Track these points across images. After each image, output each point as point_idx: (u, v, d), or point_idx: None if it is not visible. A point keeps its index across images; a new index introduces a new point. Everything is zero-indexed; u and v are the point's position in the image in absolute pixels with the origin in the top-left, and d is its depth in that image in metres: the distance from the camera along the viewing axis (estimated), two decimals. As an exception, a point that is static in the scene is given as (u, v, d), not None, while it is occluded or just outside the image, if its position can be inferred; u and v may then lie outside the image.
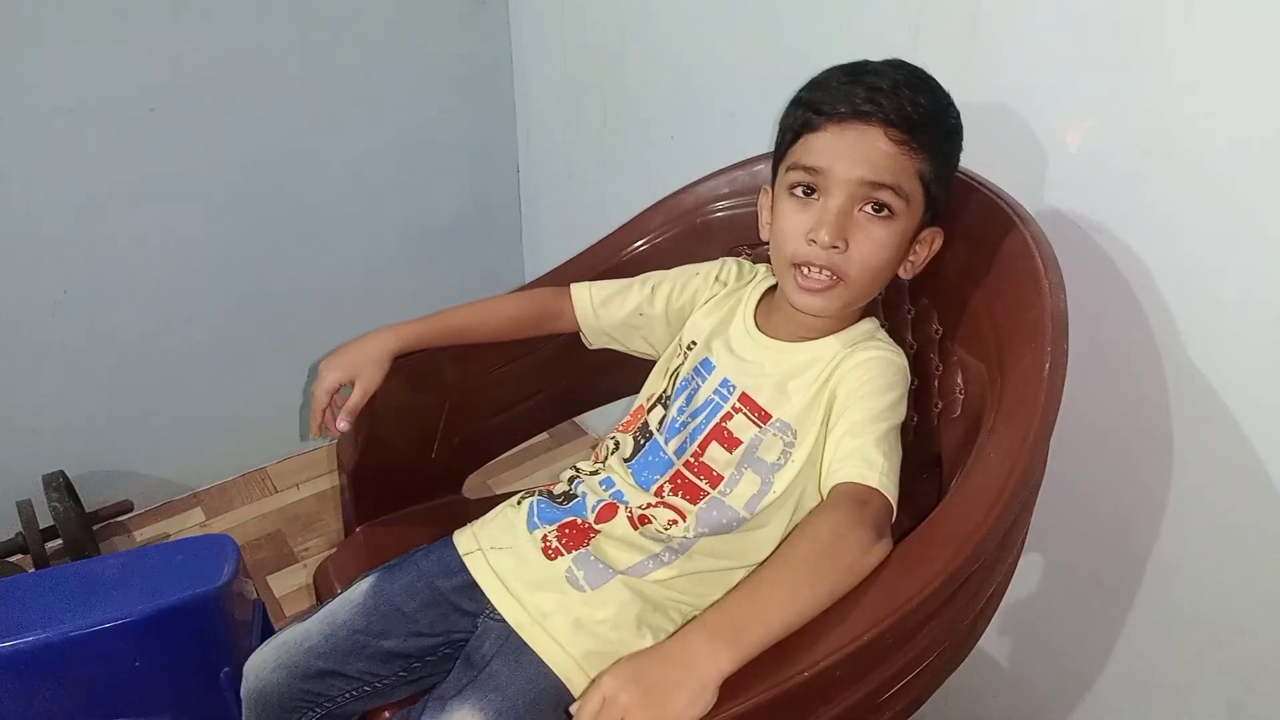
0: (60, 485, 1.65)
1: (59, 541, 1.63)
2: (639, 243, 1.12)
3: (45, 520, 1.64)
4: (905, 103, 0.82)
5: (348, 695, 0.92)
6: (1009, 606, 1.18)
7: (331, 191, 1.78)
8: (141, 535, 1.82)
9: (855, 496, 0.78)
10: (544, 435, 2.06)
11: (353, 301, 1.89)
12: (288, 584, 1.72)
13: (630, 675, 0.66)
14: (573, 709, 0.69)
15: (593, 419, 2.09)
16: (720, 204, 1.10)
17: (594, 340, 1.08)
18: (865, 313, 0.95)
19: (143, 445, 1.81)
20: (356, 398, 0.99)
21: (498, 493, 1.15)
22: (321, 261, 1.84)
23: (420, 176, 1.88)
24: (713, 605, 0.71)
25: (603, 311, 1.05)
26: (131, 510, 1.80)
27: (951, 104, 0.86)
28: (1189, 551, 0.98)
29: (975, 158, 0.92)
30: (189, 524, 1.85)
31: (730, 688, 0.65)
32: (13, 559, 1.66)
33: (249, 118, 1.63)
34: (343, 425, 0.99)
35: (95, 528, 1.75)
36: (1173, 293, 0.91)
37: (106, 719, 1.18)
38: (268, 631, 1.38)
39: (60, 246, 1.56)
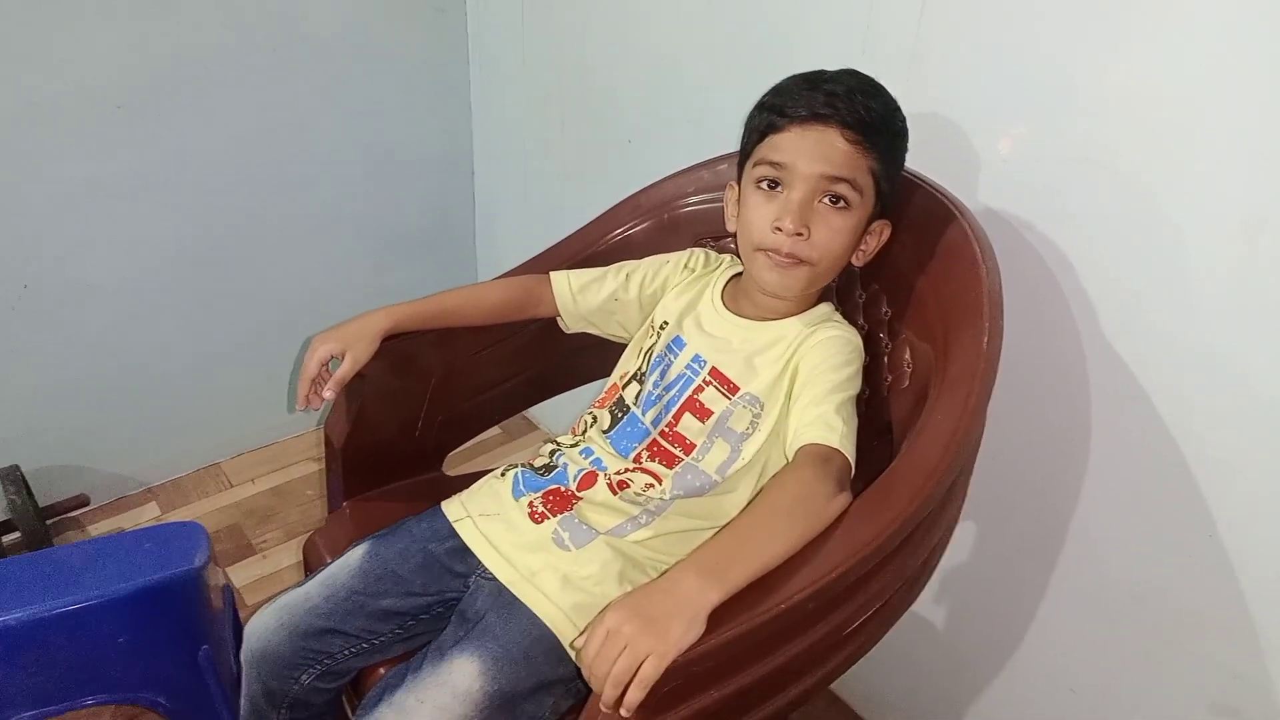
0: (16, 479, 1.65)
1: (16, 535, 1.63)
2: (611, 234, 1.20)
3: (0, 514, 1.64)
4: (859, 107, 0.92)
5: (347, 653, 0.98)
6: (944, 574, 1.29)
7: (292, 195, 1.82)
8: (96, 529, 1.83)
9: (819, 455, 0.87)
10: (497, 430, 2.13)
11: (309, 303, 1.93)
12: (248, 574, 1.74)
13: (630, 609, 0.73)
14: (577, 643, 0.76)
15: (545, 416, 2.16)
16: (687, 199, 1.19)
17: (572, 325, 1.16)
18: (822, 297, 1.05)
19: (98, 440, 1.82)
20: (345, 369, 1.03)
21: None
22: (279, 263, 1.88)
23: (379, 182, 1.93)
24: (699, 548, 0.79)
25: (580, 298, 1.13)
26: (87, 504, 1.80)
27: (898, 108, 0.97)
28: (1107, 517, 1.08)
29: (919, 159, 1.03)
30: (144, 518, 1.86)
31: (717, 618, 0.73)
32: (-33, 553, 1.65)
33: (215, 120, 1.66)
34: (328, 394, 1.04)
35: (50, 522, 1.75)
36: (1092, 285, 1.01)
37: (88, 695, 1.20)
38: (237, 618, 1.41)
39: (22, 242, 1.57)
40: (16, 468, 1.67)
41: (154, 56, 1.56)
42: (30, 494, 1.67)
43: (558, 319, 1.16)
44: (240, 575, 1.74)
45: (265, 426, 2.04)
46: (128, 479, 1.90)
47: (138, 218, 1.66)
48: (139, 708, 1.42)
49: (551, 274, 1.14)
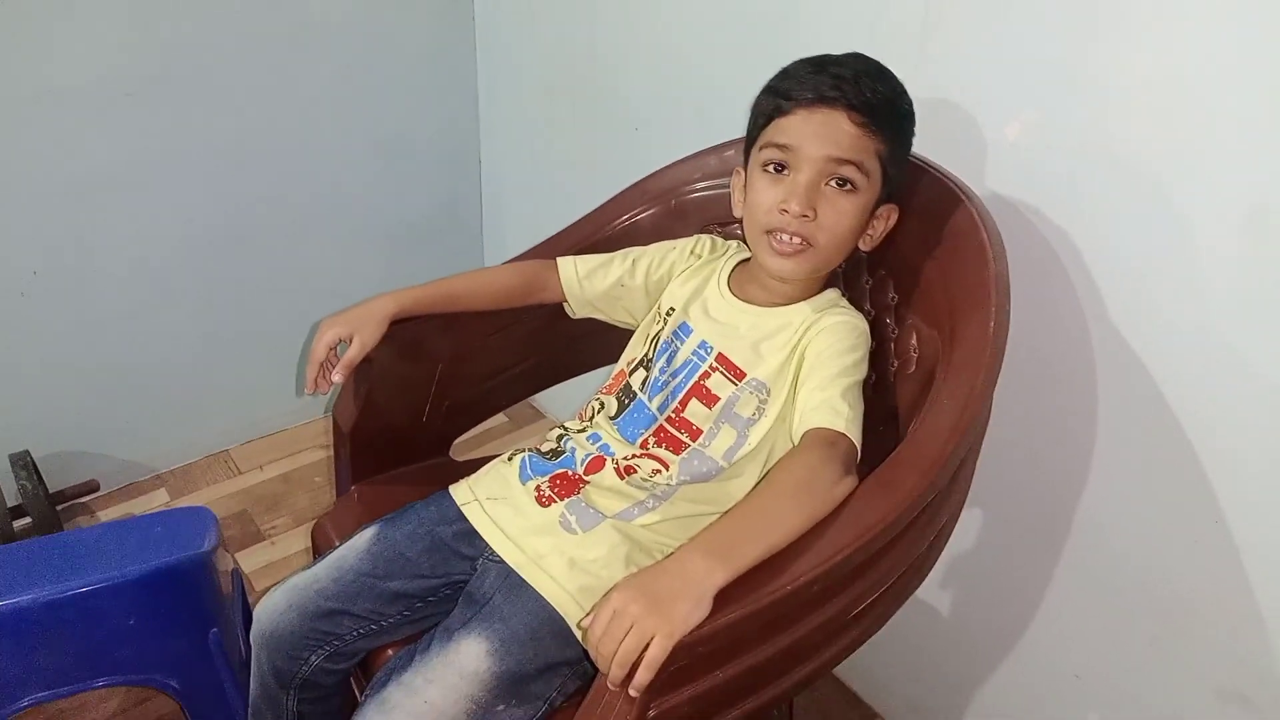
0: (27, 464, 1.66)
1: (26, 520, 1.65)
2: (619, 220, 1.20)
3: (12, 499, 1.65)
4: (865, 90, 0.92)
5: (355, 634, 0.98)
6: (950, 560, 1.29)
7: (300, 182, 1.83)
8: (105, 515, 1.84)
9: (825, 439, 0.88)
10: (502, 418, 2.14)
11: (318, 291, 1.94)
12: (257, 560, 1.76)
13: (637, 589, 0.73)
14: (584, 622, 0.76)
15: (550, 404, 2.17)
16: (694, 186, 1.19)
17: (578, 310, 1.16)
18: (828, 283, 1.05)
19: (107, 427, 1.83)
20: (353, 352, 1.04)
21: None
22: (288, 251, 1.89)
23: (387, 169, 1.94)
24: (705, 529, 0.80)
25: (587, 283, 1.14)
26: (97, 490, 1.81)
27: (905, 92, 0.97)
28: (1113, 504, 1.09)
29: (927, 145, 1.03)
30: (153, 504, 1.87)
31: (723, 599, 0.73)
32: (-22, 537, 1.67)
33: (223, 107, 1.67)
34: (336, 378, 1.04)
35: (60, 507, 1.77)
36: (1099, 271, 1.01)
37: (99, 676, 1.21)
38: (246, 602, 1.43)
39: (32, 228, 1.58)
40: (27, 453, 1.68)
41: (162, 44, 1.56)
42: (40, 479, 1.69)
43: (564, 304, 1.17)
44: (249, 561, 1.75)
45: (274, 413, 2.05)
46: (137, 465, 1.91)
47: (147, 205, 1.67)
48: (150, 689, 1.44)
49: (558, 259, 1.15)
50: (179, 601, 1.23)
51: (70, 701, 1.46)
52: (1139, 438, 1.04)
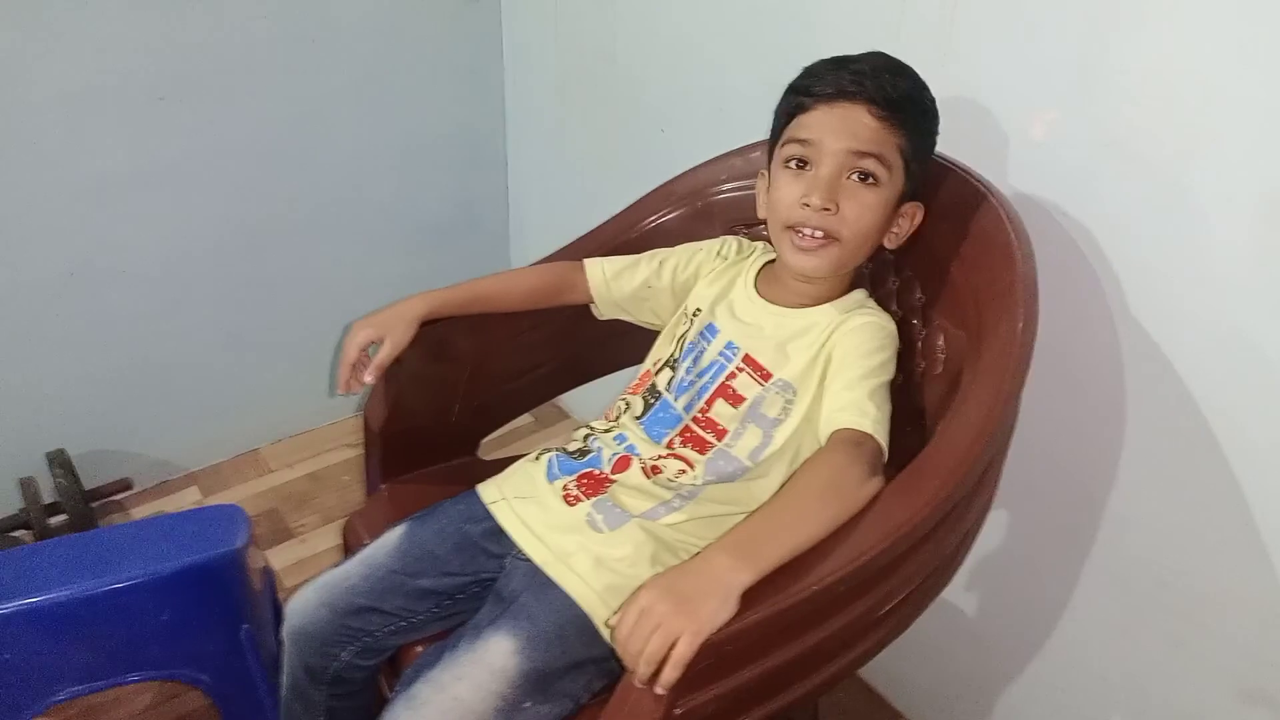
0: (64, 462, 1.69)
1: (62, 518, 1.67)
2: (645, 222, 1.21)
3: (48, 497, 1.68)
4: (885, 84, 0.93)
5: (385, 630, 1.00)
6: (976, 561, 1.28)
7: (328, 183, 1.85)
8: (138, 513, 1.87)
9: (852, 440, 0.88)
10: (528, 418, 2.15)
11: (345, 291, 1.96)
12: (287, 558, 1.78)
13: (664, 588, 0.74)
14: (611, 621, 0.77)
15: (576, 405, 2.18)
16: (720, 187, 1.19)
17: (605, 311, 1.17)
18: (855, 284, 1.05)
19: (141, 425, 1.86)
20: (385, 353, 1.05)
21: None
22: (317, 251, 1.91)
23: (413, 171, 1.95)
24: (731, 529, 0.80)
25: (614, 284, 1.14)
26: (130, 488, 1.84)
27: (926, 88, 0.97)
28: (1141, 504, 1.08)
29: (952, 144, 1.03)
30: (185, 502, 1.90)
31: (750, 599, 0.74)
32: (15, 534, 1.70)
33: (252, 110, 1.69)
34: (368, 379, 1.06)
35: (94, 505, 1.79)
36: (1125, 268, 1.01)
37: (132, 671, 1.23)
38: (277, 600, 1.44)
39: (68, 231, 1.61)
40: (63, 451, 1.71)
41: (191, 48, 1.58)
42: (76, 477, 1.72)
43: (591, 306, 1.18)
44: (279, 559, 1.77)
45: (303, 413, 2.08)
46: (169, 464, 1.94)
47: (178, 207, 1.70)
48: (181, 685, 1.46)
49: (585, 260, 1.16)
50: (211, 598, 1.25)
51: (104, 696, 1.48)
52: (1167, 435, 1.03)
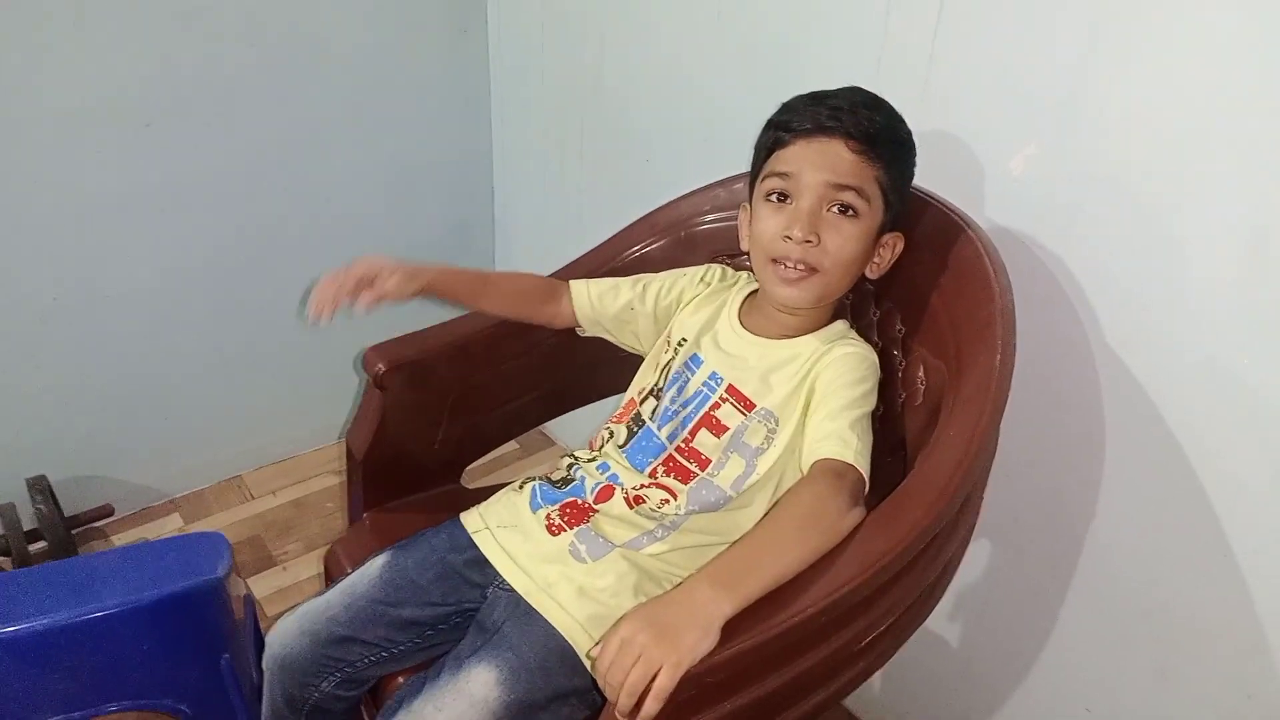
0: (44, 488, 1.68)
1: (42, 544, 1.66)
2: (629, 251, 1.22)
3: (28, 524, 1.67)
4: (862, 119, 0.94)
5: (366, 660, 0.99)
6: (959, 591, 1.29)
7: (314, 210, 1.86)
8: (120, 540, 1.85)
9: (833, 470, 0.88)
10: (514, 445, 2.15)
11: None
12: (269, 586, 1.76)
13: (645, 619, 0.74)
14: (593, 652, 0.77)
15: (562, 432, 2.18)
16: (703, 218, 1.20)
17: (588, 328, 1.18)
18: (837, 315, 1.06)
19: (123, 451, 1.85)
20: (388, 289, 1.05)
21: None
22: (302, 277, 1.89)
23: (401, 197, 1.96)
24: (713, 560, 0.80)
25: (598, 304, 1.15)
26: (112, 515, 1.83)
27: (902, 122, 0.98)
28: (1122, 532, 1.09)
29: (932, 178, 1.04)
30: (167, 529, 1.89)
31: (730, 630, 0.74)
32: (-5, 561, 1.68)
33: (239, 135, 1.70)
34: (362, 304, 1.05)
35: (75, 531, 1.78)
36: (1102, 300, 1.02)
37: (111, 701, 1.22)
38: (258, 628, 1.43)
39: (52, 255, 1.61)
40: (44, 477, 1.70)
41: (180, 73, 1.59)
42: (57, 504, 1.70)
43: (575, 325, 1.18)
44: (261, 586, 1.76)
45: (286, 439, 2.07)
46: (151, 490, 1.93)
47: (163, 232, 1.70)
48: (162, 715, 1.44)
49: (571, 281, 1.17)
50: (191, 627, 1.24)
51: (82, 725, 1.46)
52: (1146, 464, 1.04)
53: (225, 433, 1.97)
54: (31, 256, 1.59)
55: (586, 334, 1.19)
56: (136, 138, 1.59)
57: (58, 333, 1.67)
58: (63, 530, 1.67)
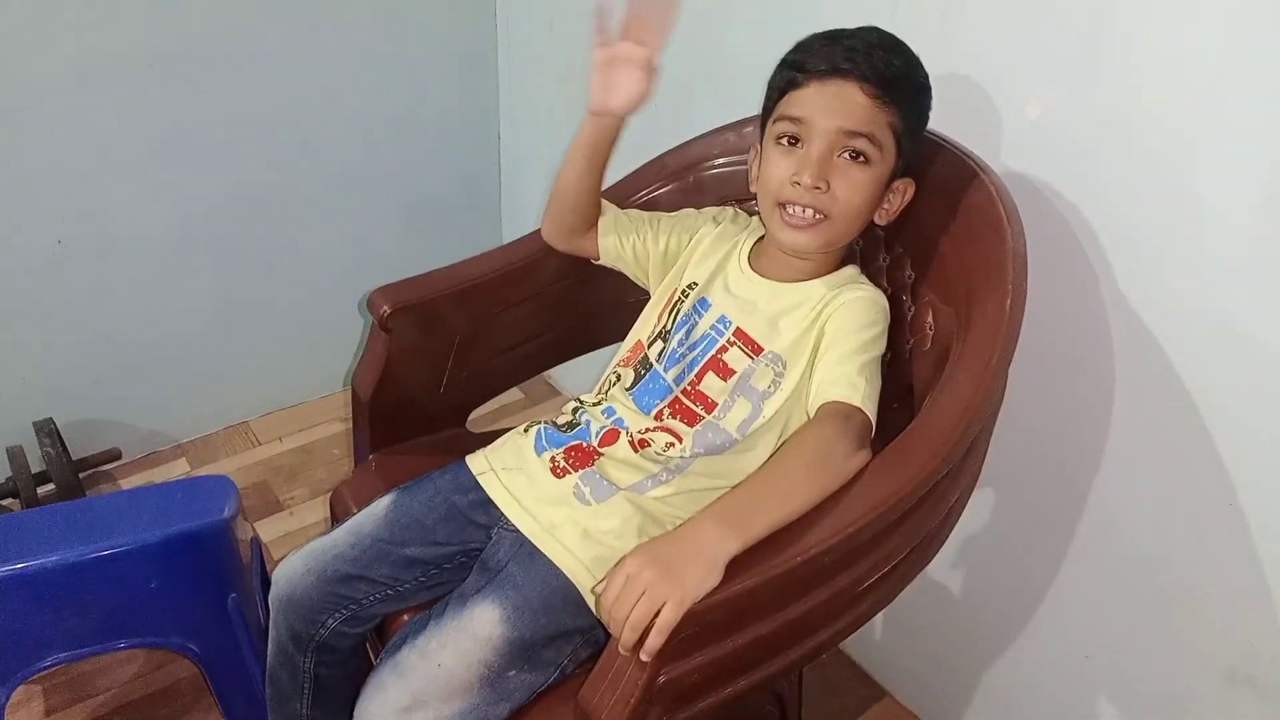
0: (51, 432, 1.69)
1: (50, 487, 1.67)
2: (637, 195, 1.21)
3: (36, 466, 1.68)
4: (879, 61, 0.92)
5: (371, 599, 1.00)
6: (963, 541, 1.29)
7: (321, 157, 1.84)
8: (127, 483, 1.87)
9: (840, 413, 0.88)
10: (519, 394, 2.15)
11: (339, 264, 1.96)
12: (275, 530, 1.78)
13: (650, 555, 0.74)
14: (597, 589, 0.77)
15: (566, 380, 2.18)
16: (713, 162, 1.19)
17: (606, 252, 1.15)
18: (846, 259, 1.05)
19: (131, 396, 1.86)
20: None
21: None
22: (311, 224, 1.90)
23: (408, 145, 1.94)
24: (718, 499, 0.80)
25: (619, 227, 1.13)
26: (119, 459, 1.84)
27: (920, 65, 0.96)
28: (1127, 485, 1.09)
29: (946, 122, 1.02)
30: (174, 474, 1.90)
31: (735, 568, 0.74)
32: (3, 503, 1.69)
33: (245, 80, 1.68)
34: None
35: (83, 475, 1.79)
36: (1117, 251, 1.01)
37: (120, 638, 1.24)
38: (265, 570, 1.45)
39: (56, 198, 1.60)
40: (50, 420, 1.71)
41: (185, 15, 1.57)
42: (64, 447, 1.71)
43: (596, 250, 1.15)
44: (267, 531, 1.78)
45: (293, 386, 2.07)
46: (159, 434, 1.94)
47: (169, 176, 1.69)
48: (169, 653, 1.46)
49: (604, 203, 1.15)
50: (199, 566, 1.25)
51: (92, 664, 1.49)
52: (1154, 418, 1.04)
53: (232, 378, 1.98)
54: (35, 200, 1.58)
55: (601, 258, 1.16)
56: (140, 78, 1.57)
57: (63, 276, 1.67)
58: (70, 473, 1.68)
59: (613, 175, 1.25)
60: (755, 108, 1.06)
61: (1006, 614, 1.29)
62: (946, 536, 0.99)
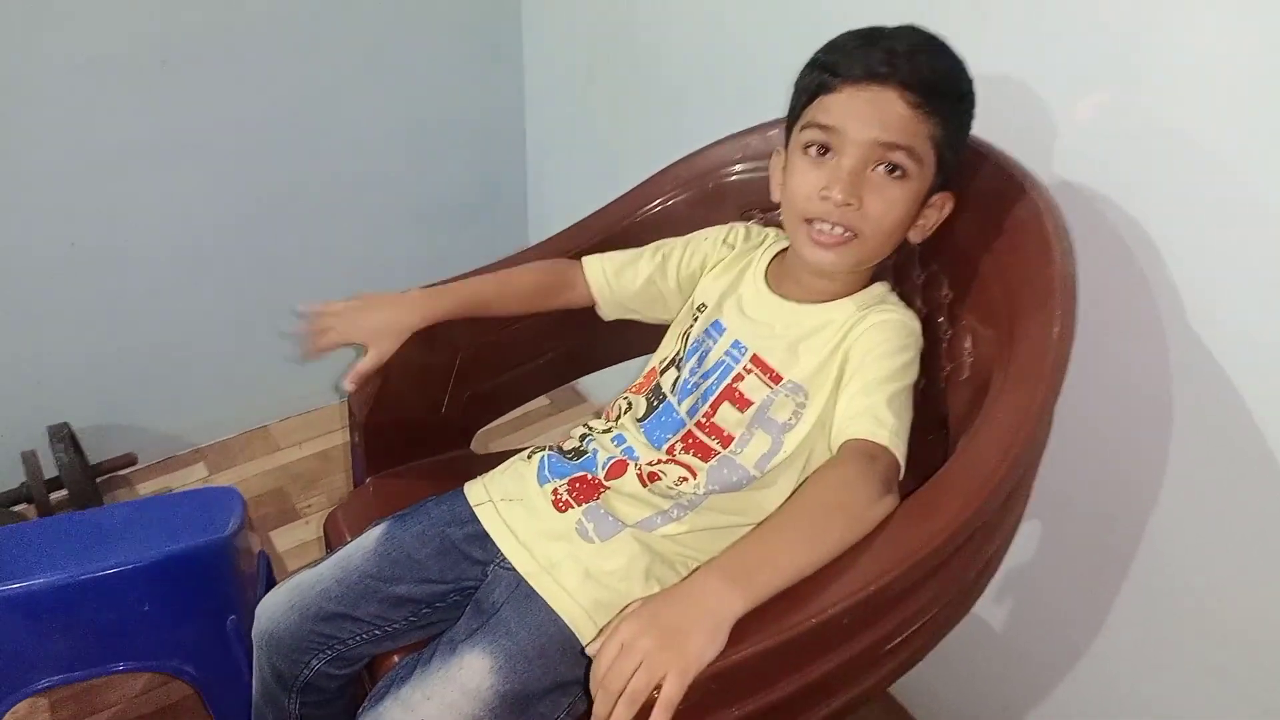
0: (65, 436, 1.66)
1: (63, 492, 1.65)
2: (650, 206, 1.13)
3: (50, 471, 1.65)
4: (922, 66, 0.83)
5: (358, 638, 0.94)
6: (1006, 574, 1.19)
7: (339, 158, 1.79)
8: (144, 489, 1.84)
9: (865, 452, 0.80)
10: (544, 401, 2.08)
11: (357, 266, 1.91)
12: (291, 539, 1.74)
13: (648, 619, 0.67)
14: (589, 650, 0.70)
15: (594, 388, 2.11)
16: (733, 168, 1.11)
17: (610, 312, 1.09)
18: (876, 276, 0.96)
19: (147, 400, 1.83)
20: (368, 363, 1.00)
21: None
22: (328, 226, 1.85)
23: (429, 146, 1.88)
24: (726, 550, 0.73)
25: (616, 284, 1.07)
26: (135, 464, 1.81)
27: (966, 70, 0.87)
28: (1184, 525, 1.00)
29: (987, 126, 0.93)
30: (191, 479, 1.87)
31: (741, 631, 0.67)
32: (17, 508, 1.67)
33: (260, 81, 1.63)
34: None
35: (99, 480, 1.77)
36: (1177, 269, 0.91)
37: (115, 662, 1.19)
38: (271, 584, 1.40)
39: (69, 200, 1.57)
40: (66, 425, 1.68)
41: (200, 15, 1.52)
42: (80, 452, 1.69)
43: (595, 308, 1.10)
44: (283, 539, 1.74)
45: (312, 391, 2.03)
46: (176, 439, 1.91)
47: (184, 178, 1.65)
48: (169, 675, 1.42)
49: (584, 260, 1.08)
50: (196, 588, 1.21)
51: (98, 679, 1.45)
52: (1217, 453, 0.95)
53: (251, 382, 1.94)
54: (46, 202, 1.55)
55: (609, 318, 1.10)
56: (152, 80, 1.53)
57: (80, 281, 1.63)
58: (85, 479, 1.65)
59: (636, 176, 1.18)
60: (783, 109, 0.97)
61: (1054, 653, 1.21)
62: (984, 588, 0.91)
